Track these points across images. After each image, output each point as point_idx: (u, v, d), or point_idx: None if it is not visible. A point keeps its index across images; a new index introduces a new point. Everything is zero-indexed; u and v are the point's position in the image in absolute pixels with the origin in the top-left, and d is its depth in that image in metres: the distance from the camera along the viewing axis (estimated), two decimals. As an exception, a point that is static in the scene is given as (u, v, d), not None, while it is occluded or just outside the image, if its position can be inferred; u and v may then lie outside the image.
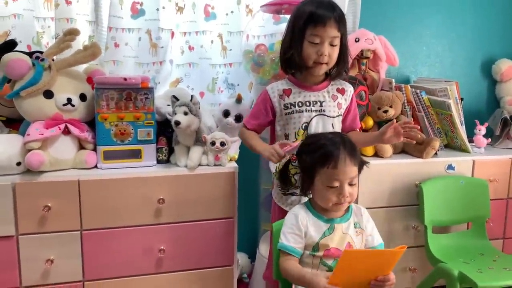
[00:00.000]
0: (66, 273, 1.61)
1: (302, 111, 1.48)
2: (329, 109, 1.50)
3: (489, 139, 2.13)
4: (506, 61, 2.43)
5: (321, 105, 1.50)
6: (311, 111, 1.48)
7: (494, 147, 2.23)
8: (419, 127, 1.41)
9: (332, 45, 1.42)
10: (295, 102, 1.48)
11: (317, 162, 1.19)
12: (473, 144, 2.13)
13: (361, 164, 1.27)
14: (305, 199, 1.35)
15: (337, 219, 1.24)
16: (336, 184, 1.18)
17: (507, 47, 2.49)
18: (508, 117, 2.25)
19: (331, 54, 1.43)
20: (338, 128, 1.53)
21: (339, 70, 1.51)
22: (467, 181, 1.94)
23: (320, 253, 1.21)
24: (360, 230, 1.26)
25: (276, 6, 1.84)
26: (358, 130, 1.63)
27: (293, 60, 1.46)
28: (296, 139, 1.45)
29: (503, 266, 1.71)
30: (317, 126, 1.48)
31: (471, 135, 2.15)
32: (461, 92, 2.32)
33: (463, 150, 2.09)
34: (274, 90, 1.51)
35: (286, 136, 1.50)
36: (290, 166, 1.39)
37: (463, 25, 2.44)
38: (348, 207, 1.28)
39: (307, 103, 1.49)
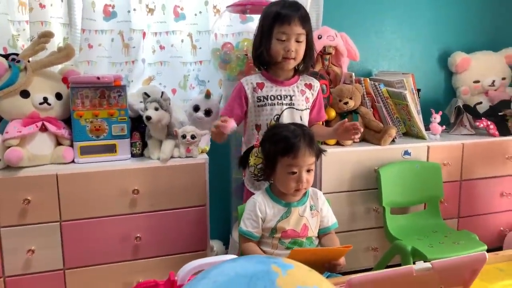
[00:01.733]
0: (47, 262, 1.71)
1: (274, 104, 1.62)
2: (298, 102, 1.65)
3: (444, 126, 2.30)
4: (461, 53, 2.60)
5: (291, 99, 1.64)
6: (282, 104, 1.63)
7: (450, 134, 2.40)
8: (362, 130, 1.56)
9: (298, 41, 1.57)
10: (267, 96, 1.62)
11: (279, 152, 1.32)
12: (430, 131, 2.29)
13: (318, 153, 1.40)
14: None
15: (294, 203, 1.37)
16: (295, 170, 1.31)
17: (461, 40, 2.67)
18: (461, 106, 2.42)
19: (297, 50, 1.57)
20: (305, 119, 1.68)
21: (306, 64, 1.66)
22: (422, 165, 2.10)
23: (278, 235, 1.34)
24: (315, 213, 1.39)
25: (241, 6, 1.97)
26: (322, 122, 1.80)
27: (263, 56, 1.60)
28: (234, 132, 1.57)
29: (453, 241, 1.87)
30: (287, 118, 1.62)
31: (428, 123, 2.31)
32: (420, 83, 2.49)
33: (419, 137, 2.26)
34: (248, 83, 1.64)
35: (258, 127, 1.64)
36: (252, 156, 1.51)
37: (420, 20, 2.60)
38: (305, 191, 1.41)
39: (279, 97, 1.63)
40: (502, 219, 2.34)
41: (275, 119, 1.62)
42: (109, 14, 1.99)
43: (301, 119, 1.65)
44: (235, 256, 0.67)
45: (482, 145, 2.26)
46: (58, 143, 1.78)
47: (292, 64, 1.60)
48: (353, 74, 2.23)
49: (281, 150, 1.31)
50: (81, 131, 1.76)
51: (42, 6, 1.90)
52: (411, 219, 2.08)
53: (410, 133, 2.32)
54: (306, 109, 1.68)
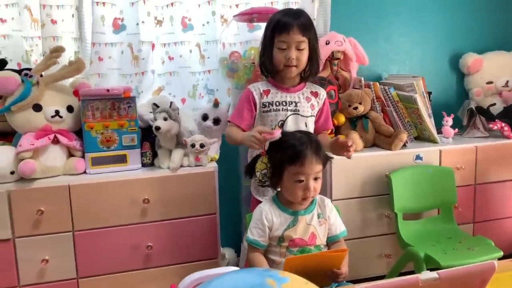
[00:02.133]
0: (61, 271, 1.74)
1: (279, 110, 1.62)
2: (303, 109, 1.65)
3: (456, 129, 2.26)
4: (472, 54, 2.56)
5: (296, 105, 1.64)
6: (287, 110, 1.63)
7: (463, 137, 2.36)
8: (353, 149, 1.49)
9: (299, 49, 1.56)
10: (272, 102, 1.63)
11: (286, 160, 1.31)
12: (442, 135, 2.26)
13: (325, 160, 1.39)
14: None
15: (301, 211, 1.36)
16: (302, 178, 1.30)
17: (472, 41, 2.63)
18: (474, 108, 2.38)
19: (299, 57, 1.57)
20: (311, 126, 1.67)
21: (310, 71, 1.65)
22: (434, 169, 2.07)
23: (286, 243, 1.33)
24: (323, 221, 1.38)
25: (247, 15, 1.98)
26: (329, 131, 1.78)
27: (266, 65, 1.62)
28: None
29: (467, 247, 1.83)
30: (292, 124, 1.62)
31: (440, 126, 2.28)
32: (431, 86, 2.46)
33: (431, 141, 2.22)
34: (256, 88, 1.65)
35: None
36: (258, 162, 1.51)
37: (429, 22, 2.57)
38: (313, 199, 1.40)
39: (284, 103, 1.63)
40: (520, 224, 2.28)
41: (279, 125, 1.62)
42: (118, 27, 2.03)
43: (306, 126, 1.65)
44: (236, 268, 0.68)
45: (496, 147, 2.21)
46: (70, 155, 1.82)
47: (294, 71, 1.60)
48: (363, 78, 2.22)
49: (288, 158, 1.31)
50: (92, 142, 1.79)
51: (53, 21, 1.95)
52: (424, 225, 2.05)
53: (422, 137, 2.28)
54: (311, 116, 1.67)
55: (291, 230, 1.33)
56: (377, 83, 2.23)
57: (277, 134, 1.38)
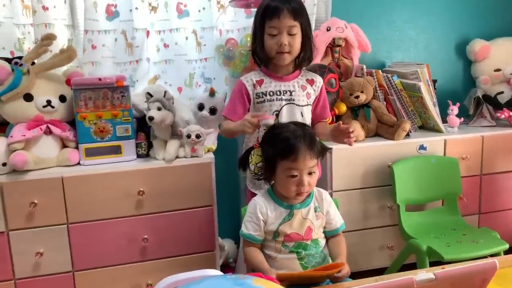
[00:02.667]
0: (56, 264, 1.71)
1: (273, 100, 1.56)
2: (298, 98, 1.57)
3: (462, 119, 2.19)
4: (480, 41, 2.47)
5: (290, 94, 1.57)
6: (282, 100, 1.56)
7: (469, 126, 2.28)
8: (354, 136, 1.43)
9: (290, 34, 1.49)
10: (266, 92, 1.56)
11: (279, 154, 1.25)
12: (447, 124, 2.19)
13: (322, 152, 1.33)
14: None
15: (297, 205, 1.30)
16: (296, 173, 1.25)
17: (480, 27, 2.53)
18: (481, 96, 2.30)
19: (291, 43, 1.49)
20: (307, 116, 1.59)
21: (304, 57, 1.57)
22: (438, 160, 2.00)
23: (281, 238, 1.28)
24: (320, 214, 1.32)
25: (244, 0, 1.91)
26: (327, 119, 1.69)
27: (258, 53, 1.55)
28: (268, 126, 1.47)
29: (471, 239, 1.78)
30: (287, 114, 1.55)
31: (446, 115, 2.21)
32: (436, 74, 2.39)
33: (436, 130, 2.16)
34: (248, 79, 1.58)
35: (258, 124, 1.56)
36: (253, 155, 1.46)
37: (435, 7, 2.48)
38: (310, 192, 1.34)
39: (278, 93, 1.56)
40: (526, 215, 2.22)
41: (274, 115, 1.55)
42: (111, 13, 1.97)
43: (302, 115, 1.58)
44: (216, 272, 0.63)
45: (503, 137, 2.14)
46: (64, 146, 1.78)
47: (287, 58, 1.53)
48: (364, 66, 2.16)
49: (281, 152, 1.25)
50: (86, 133, 1.75)
51: (45, 8, 1.89)
52: (428, 217, 1.99)
53: (426, 126, 2.22)
54: (307, 105, 1.60)
55: (286, 225, 1.28)
56: (380, 71, 2.16)
57: (271, 118, 1.38)
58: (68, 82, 1.78)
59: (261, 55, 1.55)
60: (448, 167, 1.99)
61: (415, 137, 2.06)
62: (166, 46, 2.08)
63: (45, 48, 1.74)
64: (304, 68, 1.64)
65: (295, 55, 1.54)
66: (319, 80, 1.64)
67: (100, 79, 1.72)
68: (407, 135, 2.04)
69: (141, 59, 2.00)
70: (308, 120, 1.59)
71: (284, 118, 1.54)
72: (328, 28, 2.19)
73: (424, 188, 1.96)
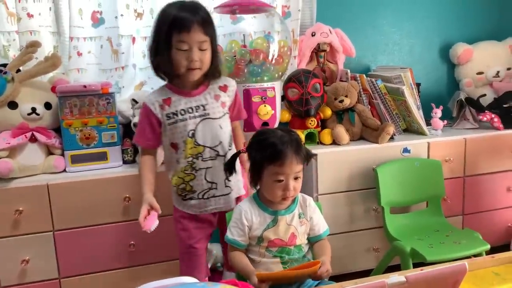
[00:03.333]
0: (42, 271, 1.72)
1: (186, 119, 1.44)
2: (213, 110, 1.48)
3: (446, 121, 2.23)
4: (462, 44, 2.51)
5: (204, 109, 1.46)
6: (195, 117, 1.45)
7: (452, 128, 2.32)
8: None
9: (201, 49, 1.38)
10: (177, 111, 1.44)
11: (266, 159, 1.27)
12: (431, 127, 2.22)
13: (307, 158, 1.35)
14: (209, 203, 1.50)
15: (282, 211, 1.32)
16: (282, 178, 1.26)
17: (463, 31, 2.58)
18: (463, 99, 2.34)
19: (202, 58, 1.39)
20: (226, 127, 1.51)
21: (212, 73, 1.47)
22: (421, 162, 2.04)
23: (265, 244, 1.30)
24: (304, 221, 1.34)
25: (228, 7, 1.93)
26: (242, 120, 1.66)
27: (162, 67, 1.43)
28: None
29: (454, 240, 1.81)
30: (204, 131, 1.46)
31: (430, 118, 2.24)
32: (421, 77, 2.43)
33: (420, 133, 2.19)
34: (153, 102, 1.45)
35: (174, 145, 1.47)
36: (172, 176, 1.49)
37: (419, 12, 2.52)
38: (294, 198, 1.36)
39: (190, 110, 1.45)
40: (509, 215, 2.26)
41: (190, 135, 1.45)
42: (97, 20, 1.98)
43: (220, 128, 1.49)
44: (190, 278, 0.65)
45: (486, 139, 2.18)
46: (50, 153, 1.78)
47: (198, 74, 1.42)
48: (349, 71, 2.19)
49: (268, 157, 1.26)
50: (71, 140, 1.76)
51: (30, 15, 1.89)
52: (412, 218, 2.02)
53: (411, 130, 2.25)
54: (224, 114, 1.50)
55: (270, 231, 1.30)
56: (364, 75, 2.19)
57: (150, 223, 1.36)
58: (53, 89, 1.79)
59: (168, 70, 1.42)
60: (432, 169, 2.02)
61: (399, 140, 2.09)
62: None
63: (30, 56, 1.74)
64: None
65: (205, 70, 1.44)
66: (231, 83, 1.55)
67: (85, 86, 1.73)
68: (391, 139, 2.07)
69: (127, 65, 2.01)
70: (227, 132, 1.51)
71: (201, 136, 1.45)
72: (313, 33, 2.21)
73: (408, 190, 1.99)
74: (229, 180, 1.51)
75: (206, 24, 1.38)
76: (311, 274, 1.18)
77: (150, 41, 1.43)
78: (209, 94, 1.49)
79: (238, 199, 1.55)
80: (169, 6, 1.41)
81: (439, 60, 2.61)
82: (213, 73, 1.48)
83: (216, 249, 2.24)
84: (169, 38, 1.36)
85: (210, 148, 1.47)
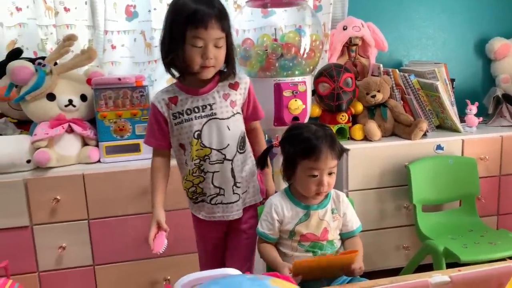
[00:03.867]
0: (77, 258, 1.77)
1: (192, 119, 1.34)
2: (221, 110, 1.35)
3: (481, 118, 2.16)
4: (500, 39, 2.42)
5: (211, 108, 1.34)
6: (202, 117, 1.34)
7: (488, 126, 2.25)
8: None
9: (217, 46, 1.27)
10: (182, 110, 1.34)
11: (300, 154, 1.26)
12: (465, 124, 2.16)
13: (341, 153, 1.34)
14: (217, 209, 1.39)
15: (314, 206, 1.31)
16: (316, 173, 1.25)
17: (500, 25, 2.49)
18: (500, 95, 2.26)
19: (217, 56, 1.28)
20: (234, 128, 1.38)
21: (230, 70, 1.37)
22: (455, 160, 1.99)
23: (297, 238, 1.29)
24: (337, 216, 1.33)
25: (260, 1, 1.92)
26: (259, 120, 1.51)
27: (175, 65, 1.31)
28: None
29: (489, 241, 1.76)
30: (210, 132, 1.34)
31: (464, 115, 2.18)
32: (455, 73, 2.36)
33: (454, 130, 2.13)
34: (159, 100, 1.36)
35: (182, 146, 1.38)
36: (182, 179, 1.42)
37: (454, 6, 2.45)
38: (327, 193, 1.35)
39: (196, 109, 1.34)
40: (547, 216, 2.18)
41: (195, 136, 1.34)
42: (131, 14, 2.01)
43: (228, 129, 1.36)
44: (234, 271, 0.65)
45: (523, 137, 2.11)
46: (85, 144, 1.83)
47: (212, 72, 1.31)
48: (381, 65, 2.15)
49: (302, 152, 1.25)
50: (106, 131, 1.80)
51: (66, 9, 1.94)
52: (445, 217, 1.98)
53: (444, 126, 2.20)
54: (234, 115, 1.37)
55: (303, 225, 1.30)
56: (397, 70, 2.15)
57: (160, 245, 1.28)
58: (88, 81, 1.83)
59: (181, 67, 1.30)
60: (466, 167, 1.97)
61: (432, 137, 2.05)
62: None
63: (67, 49, 1.79)
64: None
65: (219, 68, 1.34)
66: (244, 80, 1.41)
67: (119, 79, 1.76)
68: (424, 135, 2.03)
69: (159, 58, 2.02)
70: (237, 134, 1.38)
71: (207, 137, 1.34)
72: (345, 27, 2.18)
73: (441, 188, 1.95)
74: (238, 187, 1.39)
75: (223, 18, 1.27)
76: (346, 266, 1.17)
77: (162, 35, 1.31)
78: (218, 93, 1.36)
79: (253, 206, 1.46)
80: None
81: (474, 55, 2.53)
82: (228, 72, 1.36)
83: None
84: (183, 34, 1.24)
85: (217, 150, 1.35)
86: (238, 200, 1.40)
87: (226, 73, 1.37)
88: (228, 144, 1.36)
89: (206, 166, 1.36)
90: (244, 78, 1.41)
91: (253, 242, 1.46)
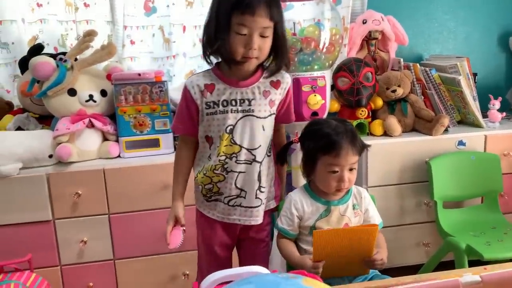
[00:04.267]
0: (98, 252, 1.79)
1: (227, 112, 1.25)
2: (259, 108, 1.27)
3: (504, 113, 2.11)
4: (524, 32, 2.37)
5: (249, 104, 1.26)
6: (237, 112, 1.25)
7: (511, 121, 2.20)
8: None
9: (263, 36, 1.18)
10: (218, 101, 1.25)
11: (320, 150, 1.24)
12: (488, 119, 2.12)
13: (362, 149, 1.32)
14: (234, 211, 1.32)
15: (335, 202, 1.30)
16: (337, 169, 1.24)
17: (524, 17, 2.43)
18: (525, 90, 2.21)
19: (261, 47, 1.19)
20: (269, 129, 1.31)
21: (278, 64, 1.28)
22: (478, 156, 1.95)
23: None
24: (358, 212, 1.32)
25: (280, -6, 1.90)
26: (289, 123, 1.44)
27: (220, 53, 1.22)
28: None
29: (513, 239, 1.73)
30: (244, 130, 1.26)
31: (486, 110, 2.14)
32: (477, 67, 2.31)
33: (476, 125, 2.09)
34: (194, 85, 1.26)
35: (209, 138, 1.29)
36: (198, 173, 1.33)
37: (476, -2, 2.40)
38: (348, 189, 1.34)
39: (233, 102, 1.25)
40: None
41: (227, 131, 1.26)
42: (149, 9, 2.02)
43: (263, 129, 1.28)
44: (262, 269, 0.65)
45: (548, 133, 2.05)
46: (105, 139, 1.84)
47: (254, 64, 1.23)
48: (402, 59, 2.11)
49: (322, 147, 1.24)
50: (125, 126, 1.81)
51: (86, 5, 1.96)
52: (466, 214, 1.95)
53: (466, 122, 2.15)
54: (270, 115, 1.30)
55: (323, 221, 1.29)
56: (418, 64, 2.11)
57: (176, 241, 1.26)
58: (108, 77, 1.84)
59: (226, 55, 1.21)
60: (489, 163, 1.93)
61: (454, 133, 2.01)
62: (201, 41, 2.10)
63: (88, 44, 1.80)
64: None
65: (262, 60, 1.25)
66: (287, 81, 1.33)
67: (139, 74, 1.76)
68: (446, 131, 1.99)
69: (177, 54, 2.03)
70: (270, 135, 1.32)
71: (240, 134, 1.26)
72: (364, 21, 2.15)
73: (463, 184, 1.92)
74: (262, 192, 1.32)
75: (274, 6, 1.17)
76: (367, 238, 1.14)
77: (207, 19, 1.22)
78: (258, 89, 1.27)
79: (266, 212, 1.38)
80: None
81: (497, 49, 2.48)
82: (278, 65, 1.27)
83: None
84: (228, 19, 1.16)
85: (247, 150, 1.27)
86: (259, 205, 1.33)
87: (273, 68, 1.27)
88: (260, 145, 1.29)
89: (231, 165, 1.28)
90: (286, 78, 1.33)
91: (269, 249, 1.44)
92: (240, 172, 1.29)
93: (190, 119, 1.28)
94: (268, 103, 1.28)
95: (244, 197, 1.31)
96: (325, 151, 1.23)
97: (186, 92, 1.27)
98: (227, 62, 1.24)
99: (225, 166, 1.28)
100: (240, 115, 1.26)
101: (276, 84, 1.30)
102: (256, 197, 1.32)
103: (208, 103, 1.26)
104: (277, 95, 1.31)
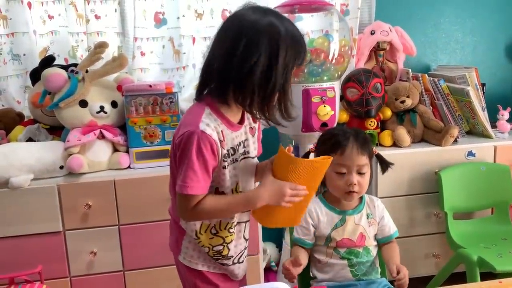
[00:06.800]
0: (108, 264, 1.78)
1: (235, 160, 1.11)
2: (251, 148, 1.15)
3: (513, 124, 2.11)
4: (532, 42, 2.38)
5: (244, 146, 1.12)
6: (239, 158, 1.12)
7: (520, 132, 2.20)
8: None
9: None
10: (228, 150, 1.07)
11: (327, 150, 1.26)
12: (497, 129, 2.12)
13: (372, 153, 1.32)
14: (243, 267, 1.25)
15: (349, 211, 1.31)
16: (344, 170, 1.25)
17: (532, 28, 2.44)
18: (533, 101, 2.21)
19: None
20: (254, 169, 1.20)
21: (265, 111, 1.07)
22: (488, 167, 1.95)
23: (333, 244, 1.29)
24: (373, 221, 1.33)
25: (288, 6, 1.92)
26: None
27: (284, 110, 1.05)
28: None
29: (525, 251, 1.72)
30: (245, 174, 1.14)
31: (495, 120, 2.14)
32: (485, 78, 2.31)
33: (485, 136, 2.09)
34: (212, 130, 1.01)
35: (219, 193, 1.11)
36: (201, 234, 1.15)
37: (483, 9, 2.40)
38: (362, 198, 1.34)
39: (237, 148, 1.11)
40: None
41: (237, 182, 1.12)
42: (159, 21, 2.03)
43: (256, 170, 1.19)
44: (283, 285, 0.64)
45: (558, 143, 2.05)
46: (115, 150, 1.85)
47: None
48: (410, 70, 2.12)
49: (329, 147, 1.27)
50: (136, 137, 1.81)
51: (97, 17, 1.97)
52: (477, 225, 1.94)
53: (474, 132, 2.15)
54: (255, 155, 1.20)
55: (339, 230, 1.29)
56: (426, 74, 2.12)
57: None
58: (119, 88, 1.85)
59: (285, 112, 1.06)
60: (499, 174, 1.93)
61: (463, 143, 2.01)
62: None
63: (98, 56, 1.81)
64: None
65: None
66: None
67: (150, 85, 1.77)
68: (455, 141, 1.99)
69: (187, 65, 2.04)
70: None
71: (243, 181, 1.14)
72: (372, 32, 2.16)
73: (473, 196, 1.91)
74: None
75: None
76: (322, 168, 1.07)
77: (254, 60, 0.97)
78: (245, 128, 1.13)
79: None
80: (276, 18, 1.02)
81: (505, 59, 2.48)
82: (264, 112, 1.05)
83: (270, 248, 2.26)
84: (289, 69, 1.01)
85: None
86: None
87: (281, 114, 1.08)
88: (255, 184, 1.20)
89: (241, 216, 1.17)
90: None
91: None
92: (246, 222, 1.21)
93: (209, 177, 1.03)
94: (256, 141, 1.17)
95: (247, 246, 1.26)
96: (331, 151, 1.25)
97: (208, 142, 0.99)
98: (283, 117, 1.06)
99: (239, 221, 1.17)
100: (241, 157, 1.12)
101: (254, 119, 1.15)
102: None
103: (225, 155, 1.06)
104: (256, 129, 1.18)
